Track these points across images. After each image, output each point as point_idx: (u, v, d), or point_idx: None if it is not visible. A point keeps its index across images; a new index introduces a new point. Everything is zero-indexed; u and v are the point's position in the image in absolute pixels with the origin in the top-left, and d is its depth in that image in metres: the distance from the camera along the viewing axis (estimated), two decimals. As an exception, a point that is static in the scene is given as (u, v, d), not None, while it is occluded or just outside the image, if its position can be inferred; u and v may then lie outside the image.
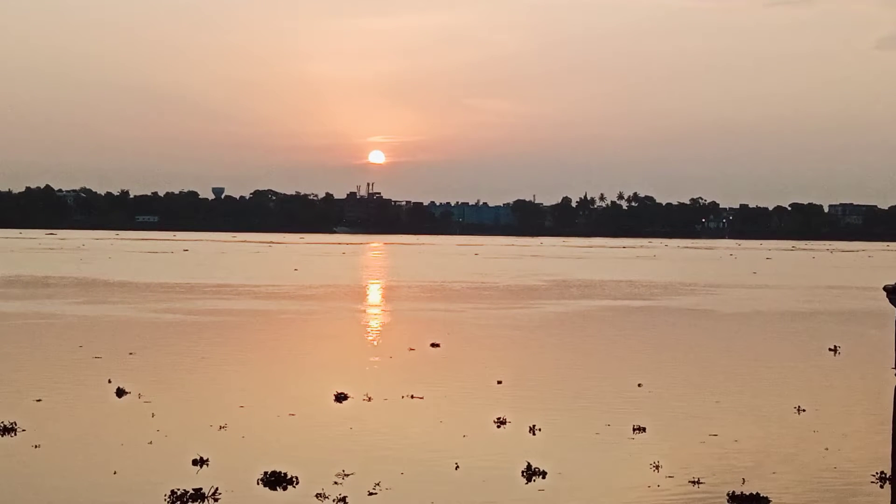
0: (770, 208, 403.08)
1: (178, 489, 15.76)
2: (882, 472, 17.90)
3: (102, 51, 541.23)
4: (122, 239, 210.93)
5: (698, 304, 59.34)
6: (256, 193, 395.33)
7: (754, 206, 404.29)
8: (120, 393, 25.02)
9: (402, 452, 19.34)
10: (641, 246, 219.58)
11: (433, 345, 35.59)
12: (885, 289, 28.95)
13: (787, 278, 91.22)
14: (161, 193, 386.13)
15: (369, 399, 24.74)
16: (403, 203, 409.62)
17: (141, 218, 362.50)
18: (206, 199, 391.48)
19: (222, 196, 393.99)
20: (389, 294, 63.68)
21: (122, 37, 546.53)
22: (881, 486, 17.32)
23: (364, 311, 51.73)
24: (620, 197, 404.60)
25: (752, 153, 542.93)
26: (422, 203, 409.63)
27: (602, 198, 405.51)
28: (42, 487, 16.62)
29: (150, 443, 19.72)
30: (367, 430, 21.42)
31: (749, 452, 19.78)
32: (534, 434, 20.95)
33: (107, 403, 24.20)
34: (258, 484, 16.67)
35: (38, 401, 24.18)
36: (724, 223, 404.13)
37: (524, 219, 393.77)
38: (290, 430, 21.43)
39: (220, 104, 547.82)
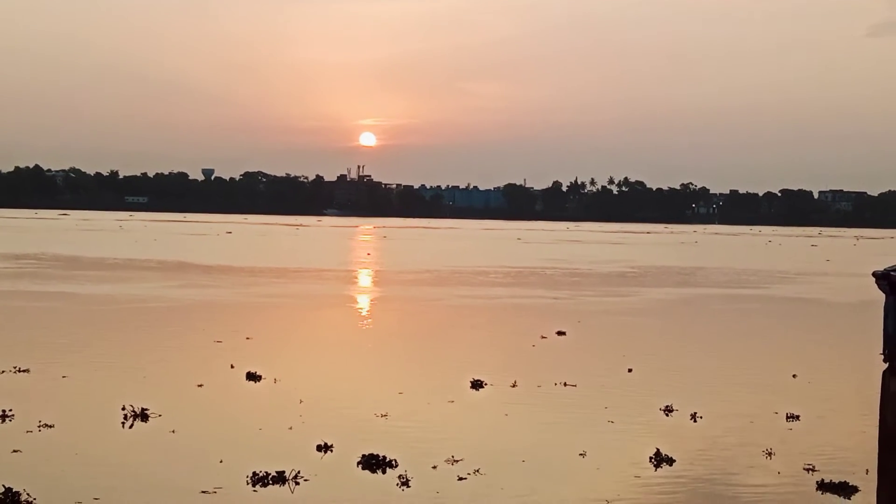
0: (760, 194, 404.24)
1: (261, 471, 15.34)
2: None
3: (92, 33, 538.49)
4: (154, 221, 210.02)
5: (804, 292, 58.18)
6: (246, 175, 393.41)
7: (744, 191, 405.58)
8: (252, 377, 24.07)
9: (537, 439, 18.74)
10: (673, 232, 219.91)
11: (559, 332, 34.57)
12: (874, 274, 27.69)
13: (859, 266, 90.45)
14: (150, 174, 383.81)
15: (514, 385, 24.09)
16: (394, 186, 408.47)
17: (130, 199, 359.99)
18: (196, 180, 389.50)
19: (212, 177, 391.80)
20: (483, 281, 62.18)
21: (112, 19, 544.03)
22: None
23: (473, 298, 50.23)
24: (611, 182, 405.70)
25: (743, 139, 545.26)
26: (412, 186, 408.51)
27: (592, 182, 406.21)
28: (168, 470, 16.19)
29: (290, 428, 19.04)
30: (514, 418, 20.69)
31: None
32: (695, 421, 20.46)
33: (242, 388, 23.27)
34: (357, 467, 16.13)
35: (170, 386, 23.34)
36: (714, 209, 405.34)
37: (514, 203, 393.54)
38: (432, 417, 20.64)
39: (210, 86, 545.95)
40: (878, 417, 21.04)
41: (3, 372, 24.04)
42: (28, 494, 14.07)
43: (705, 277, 70.06)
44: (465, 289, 54.90)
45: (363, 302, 47.75)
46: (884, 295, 26.57)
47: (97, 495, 14.50)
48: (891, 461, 17.47)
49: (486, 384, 23.93)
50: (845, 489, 15.53)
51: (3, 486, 14.13)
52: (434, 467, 16.21)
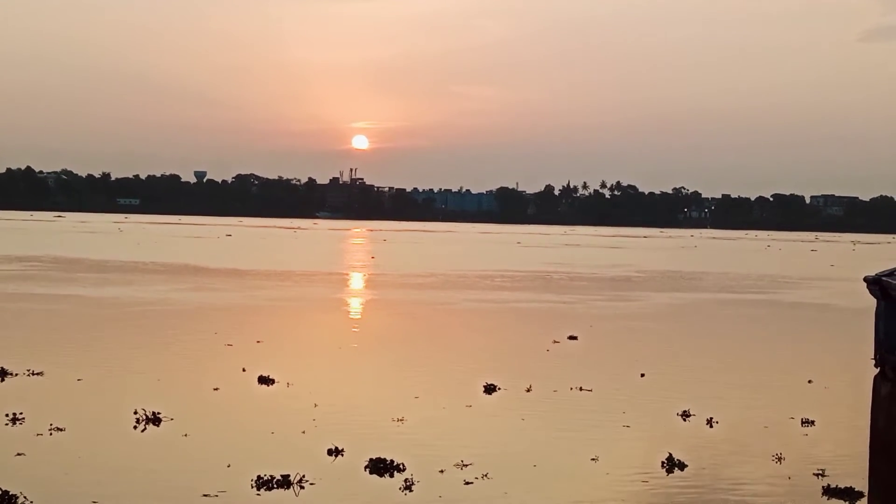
0: (752, 199, 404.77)
1: (266, 475, 15.22)
2: None
3: (84, 35, 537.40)
4: (150, 223, 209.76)
5: (814, 297, 58.01)
6: (238, 177, 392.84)
7: (736, 196, 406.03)
8: (264, 381, 23.83)
9: (550, 444, 18.60)
10: (670, 236, 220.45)
11: (571, 337, 34.40)
12: (865, 279, 27.83)
13: (864, 271, 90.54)
14: (142, 176, 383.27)
15: (529, 390, 23.85)
16: (386, 189, 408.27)
17: (122, 201, 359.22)
18: (188, 182, 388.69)
19: (204, 180, 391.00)
20: (490, 285, 61.95)
21: (104, 21, 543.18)
22: None
23: (482, 302, 50.03)
24: (603, 186, 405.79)
25: (735, 144, 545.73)
26: (405, 189, 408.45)
27: (585, 186, 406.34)
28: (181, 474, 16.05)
29: (303, 432, 18.84)
30: (529, 422, 20.52)
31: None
32: (711, 426, 20.32)
33: (254, 392, 23.09)
34: (364, 471, 16.04)
35: (183, 389, 23.19)
36: (706, 213, 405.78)
37: (507, 206, 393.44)
38: (447, 422, 20.42)
39: (202, 88, 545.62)
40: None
41: (16, 375, 23.78)
42: (25, 497, 13.91)
43: (711, 282, 69.89)
44: (473, 293, 54.64)
45: (372, 305, 47.47)
46: (875, 300, 26.69)
47: (95, 498, 14.29)
48: (882, 466, 17.32)
49: (499, 388, 23.72)
50: (850, 494, 15.45)
51: (0, 488, 13.99)
52: (441, 471, 16.05)
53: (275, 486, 15.06)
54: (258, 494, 14.74)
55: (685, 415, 21.04)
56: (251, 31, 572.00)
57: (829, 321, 45.82)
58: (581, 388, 24.10)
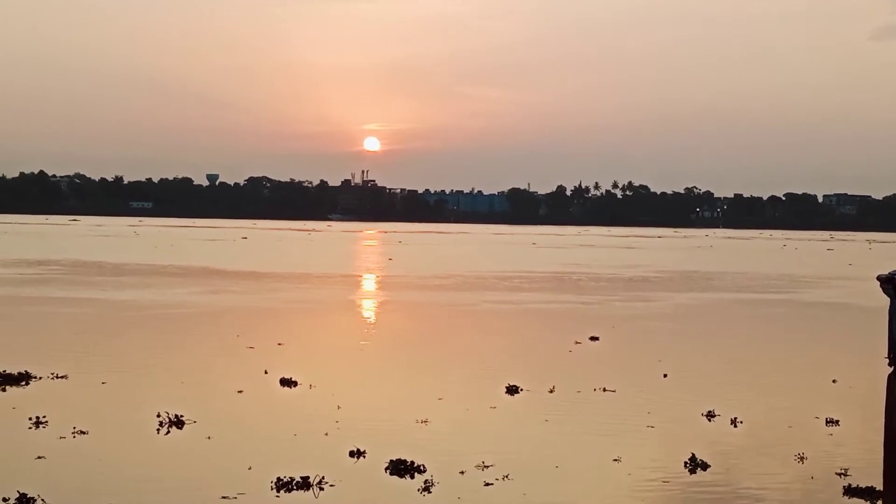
0: (764, 198, 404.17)
1: (285, 477, 15.20)
2: None
3: (95, 38, 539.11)
4: (166, 226, 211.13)
5: (835, 296, 57.79)
6: (251, 180, 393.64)
7: (748, 195, 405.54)
8: (286, 383, 23.80)
9: (573, 445, 18.59)
10: (685, 236, 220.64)
11: (592, 338, 34.32)
12: (878, 278, 27.81)
13: (882, 270, 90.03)
14: (155, 180, 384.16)
15: (552, 391, 23.78)
16: (398, 190, 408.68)
17: (135, 204, 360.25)
18: (201, 185, 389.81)
19: (216, 183, 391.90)
20: (509, 286, 61.83)
21: (116, 24, 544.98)
22: None
23: (503, 303, 49.92)
24: (615, 186, 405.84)
25: (747, 143, 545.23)
26: (416, 191, 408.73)
27: (597, 186, 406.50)
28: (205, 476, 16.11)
29: (326, 434, 18.79)
30: (552, 424, 20.41)
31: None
32: (735, 426, 20.23)
33: (277, 394, 23.07)
34: (385, 472, 16.00)
35: (206, 392, 23.14)
36: (718, 213, 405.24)
37: (518, 207, 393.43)
38: (470, 423, 20.40)
39: (214, 91, 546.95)
40: None
41: (40, 378, 23.78)
42: (43, 500, 13.90)
43: (729, 282, 69.71)
44: (493, 294, 54.53)
45: (393, 306, 47.38)
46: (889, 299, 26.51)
47: (113, 501, 14.27)
48: None
49: (522, 390, 23.64)
50: (871, 494, 15.39)
51: (18, 491, 14.00)
52: (462, 473, 15.99)
53: (294, 487, 15.05)
54: (277, 496, 14.70)
55: (710, 415, 20.97)
56: (262, 34, 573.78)
57: (852, 320, 45.60)
58: (604, 389, 24.02)
